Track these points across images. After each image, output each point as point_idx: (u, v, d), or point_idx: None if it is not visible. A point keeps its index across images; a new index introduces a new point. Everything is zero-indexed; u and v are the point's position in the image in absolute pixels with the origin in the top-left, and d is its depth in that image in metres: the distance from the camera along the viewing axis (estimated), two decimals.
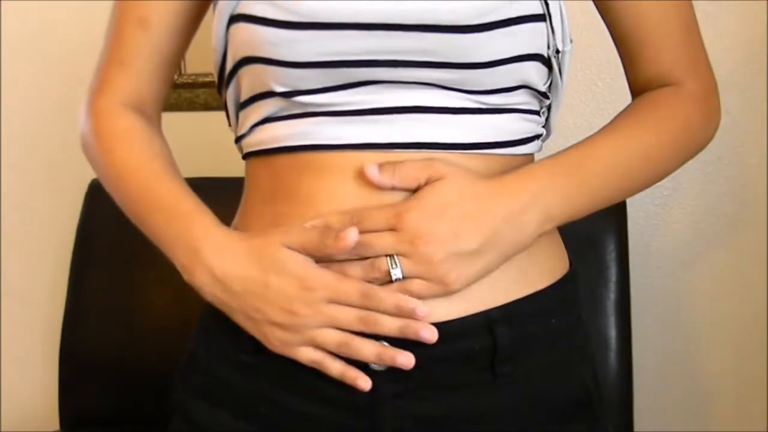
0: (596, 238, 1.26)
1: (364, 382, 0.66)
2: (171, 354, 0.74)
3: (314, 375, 0.68)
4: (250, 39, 0.68)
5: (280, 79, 0.68)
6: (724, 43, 1.34)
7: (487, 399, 0.70)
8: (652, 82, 0.79)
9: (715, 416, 1.41)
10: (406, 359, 0.64)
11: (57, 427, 1.40)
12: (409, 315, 0.64)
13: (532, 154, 0.75)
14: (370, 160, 0.67)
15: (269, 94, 0.70)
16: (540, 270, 0.72)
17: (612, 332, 1.25)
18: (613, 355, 1.24)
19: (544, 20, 0.69)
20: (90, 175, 1.44)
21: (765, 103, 1.34)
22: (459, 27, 0.65)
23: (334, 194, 0.68)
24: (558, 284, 0.73)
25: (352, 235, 0.63)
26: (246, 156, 0.76)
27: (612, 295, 1.25)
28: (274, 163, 0.72)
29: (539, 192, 0.68)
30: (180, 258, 0.71)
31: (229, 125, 0.79)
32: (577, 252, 1.31)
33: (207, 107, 1.50)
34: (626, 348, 1.25)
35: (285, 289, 0.65)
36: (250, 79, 0.71)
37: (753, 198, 1.37)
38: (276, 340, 0.67)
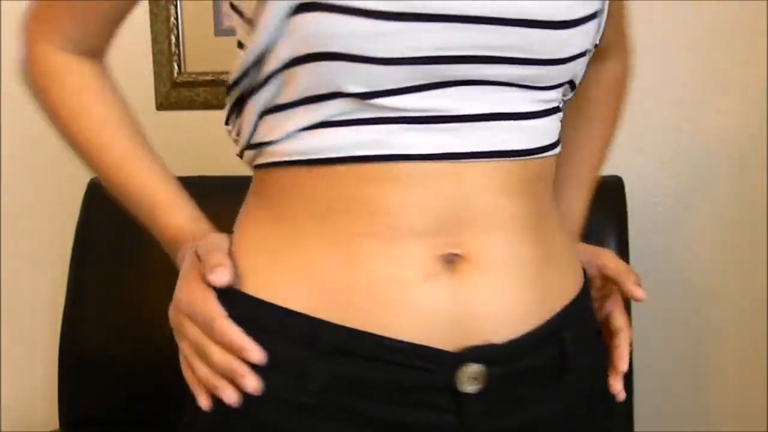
0: (596, 238, 1.26)
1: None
2: (171, 354, 0.73)
3: (390, 402, 0.65)
4: (328, 31, 0.60)
5: (358, 78, 0.61)
6: (724, 43, 1.34)
7: (554, 403, 0.70)
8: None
9: (715, 416, 1.41)
10: (252, 384, 0.64)
11: (57, 426, 1.40)
12: (238, 354, 0.64)
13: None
14: (444, 170, 0.64)
15: (334, 96, 0.63)
16: (574, 273, 0.75)
17: None
18: None
19: (601, 16, 0.70)
20: (90, 173, 1.44)
21: (765, 103, 1.34)
22: (552, 23, 0.63)
23: (409, 207, 0.64)
24: (585, 287, 0.76)
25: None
26: (271, 165, 0.68)
27: None
28: (332, 174, 0.65)
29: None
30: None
31: (228, 126, 0.73)
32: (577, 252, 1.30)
33: (207, 106, 1.50)
34: None
35: (177, 291, 0.69)
36: (310, 78, 0.63)
37: (753, 198, 1.37)
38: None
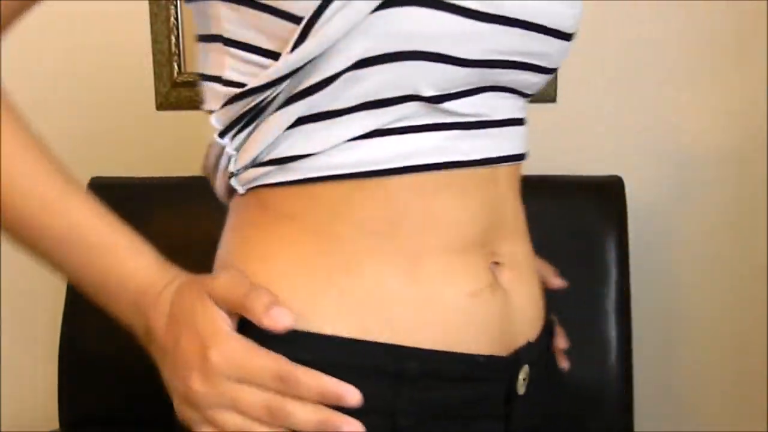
0: (596, 238, 1.26)
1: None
2: None
3: (465, 420, 0.62)
4: (420, 27, 0.55)
5: (433, 80, 0.57)
6: (724, 43, 1.34)
7: (547, 394, 0.72)
8: None
9: (716, 416, 1.41)
10: (357, 427, 0.54)
11: (57, 426, 1.40)
12: (336, 402, 0.55)
13: None
14: (486, 176, 0.63)
15: (403, 100, 0.58)
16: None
17: (612, 332, 1.25)
18: (613, 355, 1.24)
19: None
20: (89, 172, 1.44)
21: (765, 103, 1.34)
22: (570, 34, 0.66)
23: (465, 217, 0.62)
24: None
25: (283, 320, 0.54)
26: (303, 182, 0.60)
27: (612, 295, 1.25)
28: (390, 187, 0.59)
29: None
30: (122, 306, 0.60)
31: (222, 139, 0.62)
32: (577, 252, 1.32)
33: None
34: (626, 348, 1.25)
35: (188, 353, 0.55)
36: (380, 80, 0.57)
37: (753, 198, 1.37)
38: (181, 413, 0.57)
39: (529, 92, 0.68)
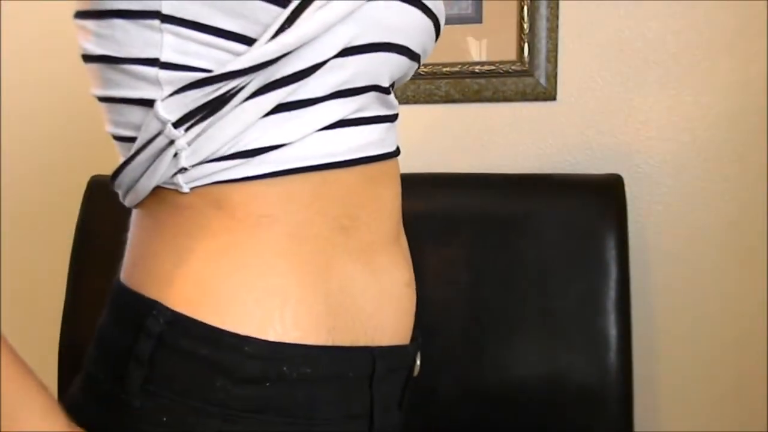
0: (596, 237, 1.26)
1: None
2: None
3: (387, 409, 0.63)
4: (404, 21, 0.58)
5: (393, 72, 0.61)
6: (724, 43, 1.34)
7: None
8: None
9: (716, 416, 1.41)
10: None
11: None
12: None
13: None
14: (397, 167, 0.66)
15: (368, 89, 0.58)
16: None
17: (612, 331, 1.25)
18: (613, 355, 1.24)
19: None
20: (89, 172, 1.44)
21: (765, 103, 1.34)
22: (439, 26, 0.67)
23: (398, 205, 0.66)
24: None
25: None
26: (267, 176, 0.56)
27: (612, 294, 1.25)
28: (350, 178, 0.59)
29: None
30: None
31: (176, 131, 0.54)
32: (577, 251, 1.31)
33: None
34: (626, 347, 1.25)
35: None
36: (359, 69, 0.56)
37: (753, 198, 1.37)
38: None
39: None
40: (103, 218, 1.37)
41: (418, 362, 0.66)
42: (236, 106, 0.54)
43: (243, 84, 0.53)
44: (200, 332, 0.54)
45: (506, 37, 1.39)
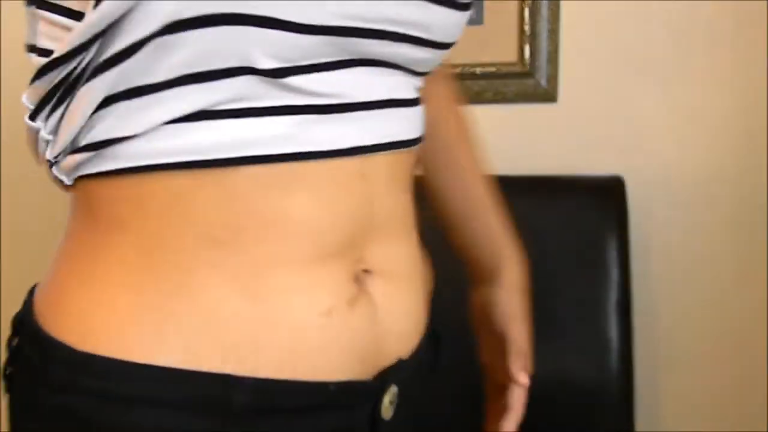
0: (597, 239, 1.26)
1: None
2: None
3: None
4: None
5: (271, 50, 0.48)
6: (724, 43, 1.34)
7: (427, 400, 0.69)
8: None
9: (715, 416, 1.41)
10: None
11: None
12: None
13: None
14: (352, 168, 0.54)
15: (234, 72, 0.48)
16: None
17: (613, 333, 1.25)
18: (614, 356, 1.24)
19: None
20: None
21: (765, 103, 1.34)
22: (457, 3, 0.57)
23: (323, 220, 0.53)
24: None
25: None
26: (126, 171, 0.50)
27: (613, 296, 1.25)
28: (227, 182, 0.50)
29: None
30: None
31: (34, 123, 0.54)
32: (578, 252, 1.31)
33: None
34: (627, 349, 1.25)
35: None
36: (199, 48, 0.47)
37: (753, 198, 1.37)
38: None
39: (419, 69, 0.59)
40: None
41: (387, 402, 0.57)
42: (77, 91, 0.50)
43: (80, 66, 0.49)
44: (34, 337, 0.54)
45: (507, 38, 1.39)
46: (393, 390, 0.58)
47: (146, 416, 0.49)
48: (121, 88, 0.49)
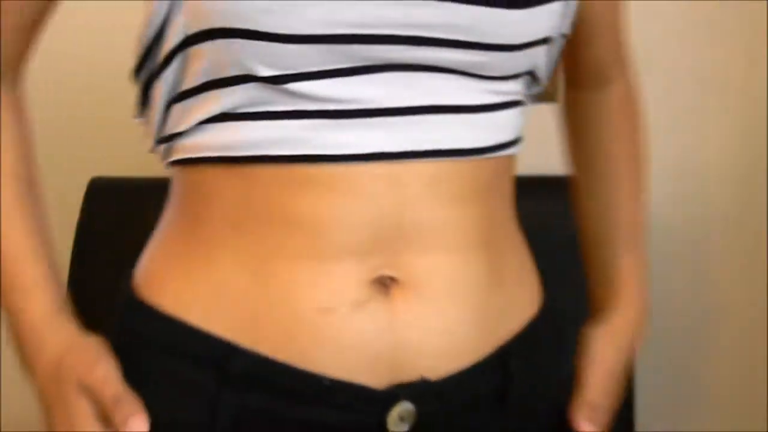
0: None
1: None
2: None
3: None
4: (225, 4, 0.51)
5: (266, 59, 0.52)
6: (724, 43, 1.34)
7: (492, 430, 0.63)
8: (586, 69, 0.77)
9: (715, 416, 1.41)
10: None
11: None
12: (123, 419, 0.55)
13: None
14: (377, 174, 0.55)
15: (244, 79, 0.54)
16: (529, 296, 0.67)
17: None
18: None
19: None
20: (89, 173, 1.44)
21: (765, 103, 1.34)
22: (502, 1, 0.54)
23: (338, 220, 0.55)
24: (544, 307, 0.68)
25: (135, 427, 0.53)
26: (191, 161, 0.59)
27: None
28: (250, 176, 0.56)
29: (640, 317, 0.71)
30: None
31: (140, 118, 0.64)
32: (577, 252, 1.31)
33: None
34: None
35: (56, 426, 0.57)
36: (213, 59, 0.54)
37: (753, 200, 1.37)
38: None
39: (486, 73, 0.57)
40: (103, 219, 1.37)
41: (396, 415, 0.57)
42: (153, 91, 0.61)
43: (150, 69, 0.60)
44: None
45: None
46: (405, 406, 0.57)
47: (167, 360, 0.58)
48: (174, 92, 0.58)
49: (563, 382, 0.70)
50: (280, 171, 0.55)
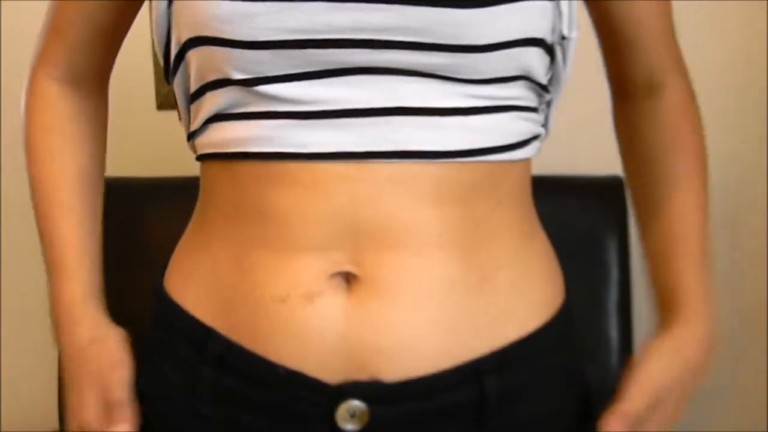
0: (597, 239, 1.26)
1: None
2: None
3: (274, 424, 0.60)
4: (196, 15, 0.57)
5: (236, 64, 0.57)
6: (724, 43, 1.34)
7: None
8: (635, 80, 0.76)
9: (715, 416, 1.41)
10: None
11: (57, 427, 1.39)
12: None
13: (529, 159, 0.66)
14: (340, 172, 0.57)
15: (225, 82, 0.59)
16: (532, 308, 0.64)
17: (613, 333, 1.25)
18: (614, 356, 1.24)
19: None
20: None
21: (765, 103, 1.34)
22: (457, 0, 0.54)
23: (304, 215, 0.58)
24: (551, 322, 0.65)
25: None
26: (201, 157, 0.66)
27: (613, 296, 1.25)
28: (236, 171, 0.61)
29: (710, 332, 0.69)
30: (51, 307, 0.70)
31: (180, 119, 0.70)
32: (578, 252, 1.31)
33: None
34: (627, 349, 1.25)
35: (78, 410, 0.67)
36: (200, 64, 0.60)
37: (753, 199, 1.37)
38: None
39: (464, 76, 0.57)
40: (103, 220, 1.36)
41: (344, 411, 0.58)
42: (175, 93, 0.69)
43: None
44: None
45: None
46: (354, 404, 0.57)
47: (165, 336, 0.66)
48: (187, 93, 0.64)
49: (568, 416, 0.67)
50: (257, 167, 0.60)
